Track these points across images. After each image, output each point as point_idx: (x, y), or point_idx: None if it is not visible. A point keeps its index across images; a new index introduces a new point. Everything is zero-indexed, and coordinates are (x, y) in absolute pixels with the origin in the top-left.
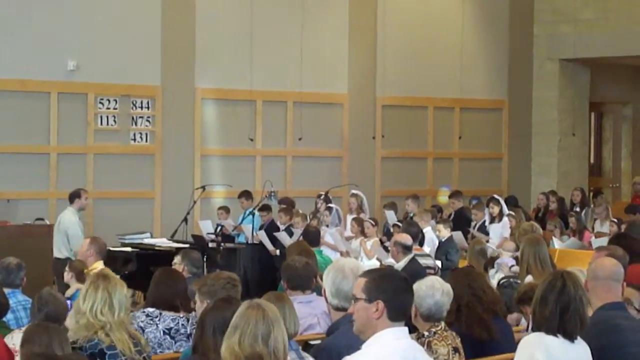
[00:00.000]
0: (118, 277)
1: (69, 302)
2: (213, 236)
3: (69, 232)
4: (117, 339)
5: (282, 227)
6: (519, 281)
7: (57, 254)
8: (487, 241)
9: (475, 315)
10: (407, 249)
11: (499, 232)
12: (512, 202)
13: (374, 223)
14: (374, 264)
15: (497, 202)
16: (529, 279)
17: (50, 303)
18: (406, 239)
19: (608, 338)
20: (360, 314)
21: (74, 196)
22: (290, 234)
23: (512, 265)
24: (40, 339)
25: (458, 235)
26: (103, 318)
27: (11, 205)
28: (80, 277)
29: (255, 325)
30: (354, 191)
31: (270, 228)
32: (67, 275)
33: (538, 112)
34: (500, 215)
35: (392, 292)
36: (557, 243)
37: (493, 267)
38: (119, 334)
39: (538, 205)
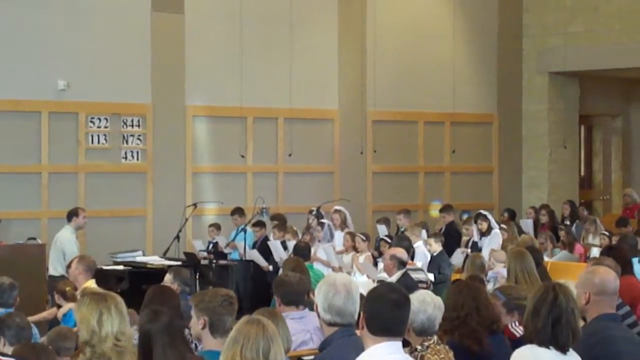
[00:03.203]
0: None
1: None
2: (205, 253)
3: (66, 250)
4: None
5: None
6: None
7: (52, 271)
8: None
9: (469, 327)
10: (402, 264)
11: (490, 244)
12: (510, 214)
13: (364, 238)
14: (366, 279)
15: (485, 218)
16: None
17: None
18: (402, 253)
19: (602, 349)
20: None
21: (71, 215)
22: (285, 249)
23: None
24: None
25: (457, 255)
26: (123, 338)
27: (3, 225)
28: (65, 296)
29: (255, 340)
30: (337, 207)
31: (264, 243)
32: (56, 297)
33: (528, 126)
34: (489, 229)
35: (373, 306)
36: (547, 256)
37: (488, 280)
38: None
39: (528, 218)
